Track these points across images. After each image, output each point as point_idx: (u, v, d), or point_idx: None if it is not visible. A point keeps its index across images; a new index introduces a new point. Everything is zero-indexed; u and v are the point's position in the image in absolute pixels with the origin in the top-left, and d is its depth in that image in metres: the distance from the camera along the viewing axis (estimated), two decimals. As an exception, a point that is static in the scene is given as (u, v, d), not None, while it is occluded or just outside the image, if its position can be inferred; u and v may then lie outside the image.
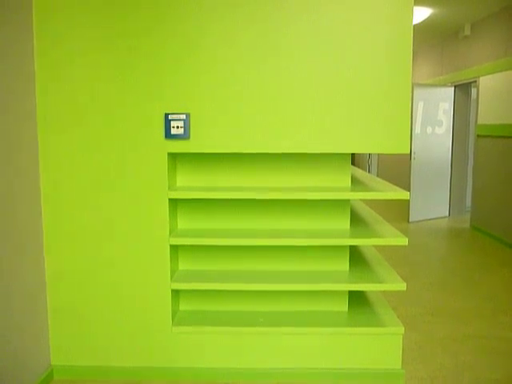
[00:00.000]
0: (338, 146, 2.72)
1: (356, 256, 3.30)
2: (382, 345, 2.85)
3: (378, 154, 13.80)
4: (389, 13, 2.63)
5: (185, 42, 2.66)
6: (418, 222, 7.67)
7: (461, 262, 5.42)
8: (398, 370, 2.86)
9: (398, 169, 10.59)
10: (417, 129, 7.45)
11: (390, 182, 12.02)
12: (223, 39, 2.66)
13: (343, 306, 3.07)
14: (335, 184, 2.96)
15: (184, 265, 3.06)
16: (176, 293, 2.98)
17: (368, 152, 2.72)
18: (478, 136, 6.97)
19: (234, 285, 2.86)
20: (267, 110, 2.70)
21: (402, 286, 2.77)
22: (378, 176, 13.57)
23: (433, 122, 7.67)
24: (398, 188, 2.85)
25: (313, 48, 2.66)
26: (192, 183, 3.00)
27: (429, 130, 7.63)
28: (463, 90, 7.88)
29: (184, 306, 3.09)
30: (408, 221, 7.64)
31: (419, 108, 7.43)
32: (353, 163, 16.86)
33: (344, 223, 3.00)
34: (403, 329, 2.83)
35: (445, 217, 8.06)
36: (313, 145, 2.71)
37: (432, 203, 7.88)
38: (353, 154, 17.84)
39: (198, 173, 2.98)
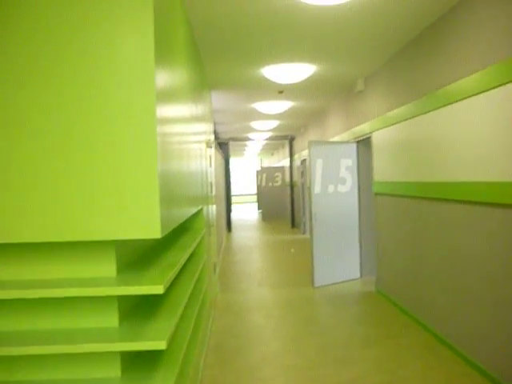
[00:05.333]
0: (75, 233, 2.25)
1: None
2: None
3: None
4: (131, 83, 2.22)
5: None
6: (323, 286, 7.18)
7: (342, 337, 4.90)
8: None
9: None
10: (316, 188, 7.08)
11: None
12: None
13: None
14: (99, 274, 2.47)
15: None
16: None
17: (111, 238, 2.25)
18: (376, 194, 6.62)
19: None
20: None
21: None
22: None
23: (335, 180, 7.32)
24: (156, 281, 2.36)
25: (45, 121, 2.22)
26: None
27: (330, 188, 7.27)
28: (366, 146, 7.61)
29: None
30: (313, 285, 7.14)
31: (317, 166, 7.09)
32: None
33: (111, 320, 2.48)
34: None
35: (356, 279, 7.60)
36: (47, 232, 2.23)
37: (340, 265, 7.43)
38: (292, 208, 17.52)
39: None
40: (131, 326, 2.48)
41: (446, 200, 4.47)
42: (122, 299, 2.60)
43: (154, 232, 2.25)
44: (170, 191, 2.74)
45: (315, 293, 6.80)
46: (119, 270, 2.54)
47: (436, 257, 4.76)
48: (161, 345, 2.23)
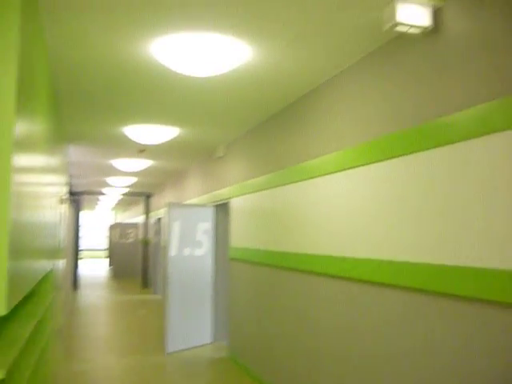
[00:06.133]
0: None
1: None
2: None
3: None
4: None
5: None
6: (176, 352, 6.98)
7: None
8: None
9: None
10: (172, 251, 7.00)
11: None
12: None
13: None
14: None
15: None
16: None
17: None
18: (231, 259, 6.72)
19: None
20: None
21: None
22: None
23: (191, 243, 7.31)
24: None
25: None
26: None
27: (187, 251, 7.23)
28: (224, 210, 7.75)
29: None
30: (165, 351, 6.92)
31: (175, 228, 7.04)
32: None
33: None
34: None
35: (209, 344, 7.52)
36: None
37: (193, 330, 7.32)
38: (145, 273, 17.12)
39: None
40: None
41: (298, 270, 4.66)
42: None
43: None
44: (20, 256, 2.51)
45: (167, 360, 6.57)
46: (-48, 349, 2.23)
47: (288, 325, 4.89)
48: None
